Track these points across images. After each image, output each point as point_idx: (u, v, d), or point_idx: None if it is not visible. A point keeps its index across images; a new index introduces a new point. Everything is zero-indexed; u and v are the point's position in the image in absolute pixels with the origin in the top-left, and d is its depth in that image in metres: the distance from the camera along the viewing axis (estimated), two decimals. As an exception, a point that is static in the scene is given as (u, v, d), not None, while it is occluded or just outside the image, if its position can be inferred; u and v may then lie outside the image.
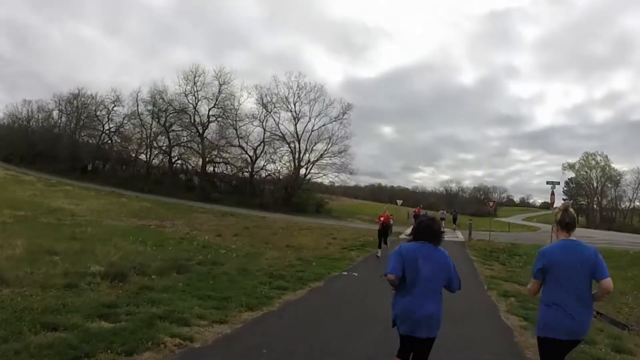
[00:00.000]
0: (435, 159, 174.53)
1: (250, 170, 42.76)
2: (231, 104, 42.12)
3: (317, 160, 42.65)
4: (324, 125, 42.22)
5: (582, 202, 61.09)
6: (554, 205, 19.70)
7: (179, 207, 26.56)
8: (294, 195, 40.76)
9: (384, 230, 13.86)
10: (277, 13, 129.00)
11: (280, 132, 42.34)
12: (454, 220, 30.87)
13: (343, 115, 41.59)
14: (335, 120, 41.72)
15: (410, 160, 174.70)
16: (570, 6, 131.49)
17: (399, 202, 38.85)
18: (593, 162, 58.53)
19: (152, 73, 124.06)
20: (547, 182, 18.94)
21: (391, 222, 15.10)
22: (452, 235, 23.74)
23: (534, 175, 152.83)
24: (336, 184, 45.95)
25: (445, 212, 31.29)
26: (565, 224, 2.74)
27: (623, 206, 55.28)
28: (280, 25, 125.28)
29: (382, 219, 13.94)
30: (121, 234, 11.85)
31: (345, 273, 9.60)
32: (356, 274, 9.58)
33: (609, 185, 55.58)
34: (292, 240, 16.00)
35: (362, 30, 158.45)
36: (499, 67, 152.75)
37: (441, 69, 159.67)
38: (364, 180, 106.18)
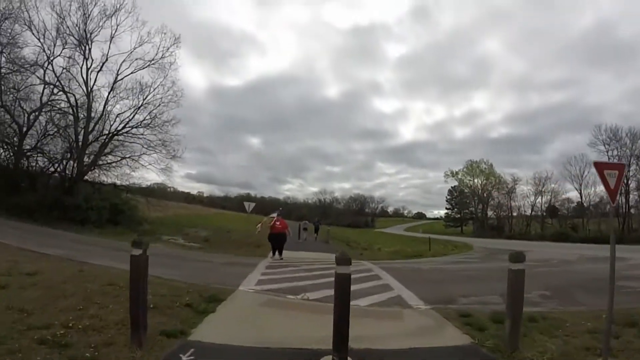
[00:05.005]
0: (303, 171, 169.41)
1: (15, 149, 22.91)
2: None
3: (118, 132, 24.42)
4: (133, 72, 24.34)
5: (467, 211, 56.09)
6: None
7: None
8: (74, 192, 21.78)
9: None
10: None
11: (60, 83, 22.83)
12: (316, 229, 28.96)
13: (163, 55, 24.28)
14: (151, 65, 24.20)
15: (278, 172, 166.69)
16: (434, 27, 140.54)
17: (249, 205, 22.49)
18: (477, 170, 53.75)
19: None
20: None
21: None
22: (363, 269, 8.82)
23: (399, 188, 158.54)
24: (162, 180, 26.96)
25: (307, 222, 29.11)
26: None
27: (520, 213, 50.79)
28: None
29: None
30: None
31: None
32: None
33: (498, 193, 51.39)
34: None
35: (227, 35, 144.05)
36: (362, 82, 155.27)
37: (307, 81, 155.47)
38: (233, 192, 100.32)
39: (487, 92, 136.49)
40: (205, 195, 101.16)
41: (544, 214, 48.78)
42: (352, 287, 7.07)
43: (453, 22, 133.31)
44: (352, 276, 8.40)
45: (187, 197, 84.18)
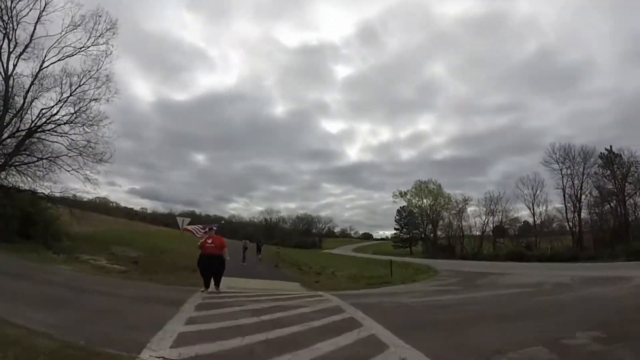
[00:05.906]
0: (248, 190, 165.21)
1: None
2: None
3: (38, 129, 20.61)
4: (61, 59, 20.85)
5: (416, 231, 56.09)
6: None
7: None
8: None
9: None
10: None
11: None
12: (259, 249, 28.76)
13: (96, 42, 21.08)
14: (81, 52, 20.97)
15: (223, 190, 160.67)
16: (381, 49, 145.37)
17: (182, 221, 18.44)
18: (426, 191, 53.99)
19: None
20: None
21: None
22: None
23: (345, 208, 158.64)
24: (87, 188, 22.46)
25: (248, 241, 28.10)
26: None
27: (471, 233, 51.30)
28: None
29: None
30: None
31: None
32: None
33: (448, 213, 51.86)
34: None
35: (176, 49, 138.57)
36: (309, 102, 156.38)
37: (254, 99, 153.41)
38: (177, 209, 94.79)
39: (432, 115, 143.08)
40: (148, 211, 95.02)
41: (492, 234, 49.55)
42: (323, 344, 4.61)
43: (399, 45, 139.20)
44: (318, 323, 5.78)
45: (129, 213, 79.92)
